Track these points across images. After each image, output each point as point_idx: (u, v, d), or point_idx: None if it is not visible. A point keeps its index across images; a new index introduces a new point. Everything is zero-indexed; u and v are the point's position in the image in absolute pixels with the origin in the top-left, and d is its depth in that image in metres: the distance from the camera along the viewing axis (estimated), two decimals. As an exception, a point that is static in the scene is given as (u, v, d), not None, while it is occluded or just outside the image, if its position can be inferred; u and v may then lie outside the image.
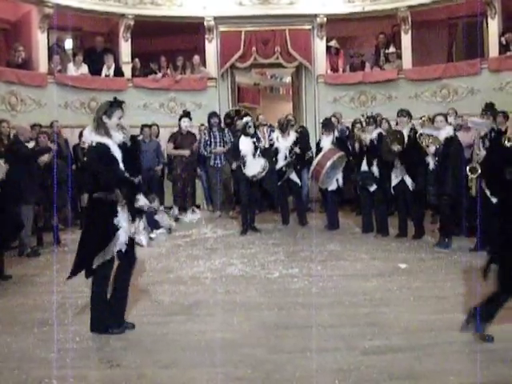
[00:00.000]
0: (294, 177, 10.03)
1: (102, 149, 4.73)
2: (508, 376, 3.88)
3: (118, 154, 4.80)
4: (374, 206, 9.04)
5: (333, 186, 9.43)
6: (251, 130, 9.57)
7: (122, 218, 4.78)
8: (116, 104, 4.86)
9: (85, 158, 10.36)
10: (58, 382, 3.90)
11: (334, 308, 5.42)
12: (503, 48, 12.17)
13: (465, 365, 4.05)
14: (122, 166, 4.80)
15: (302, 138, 10.66)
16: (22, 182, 7.77)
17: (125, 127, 4.89)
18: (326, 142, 9.49)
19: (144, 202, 4.86)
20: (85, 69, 12.51)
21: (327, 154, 9.16)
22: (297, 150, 9.91)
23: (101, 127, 4.78)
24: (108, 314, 4.90)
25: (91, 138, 4.78)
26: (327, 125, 9.69)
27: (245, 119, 10.33)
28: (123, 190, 4.76)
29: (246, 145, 9.43)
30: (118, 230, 4.75)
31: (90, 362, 4.29)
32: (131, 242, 4.92)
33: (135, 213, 4.87)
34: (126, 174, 4.81)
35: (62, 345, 4.59)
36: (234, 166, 9.61)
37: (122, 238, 4.78)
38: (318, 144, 9.90)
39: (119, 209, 4.77)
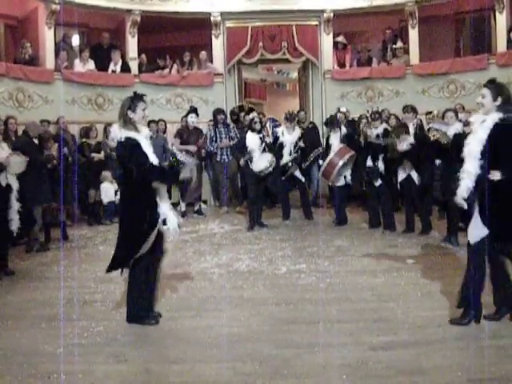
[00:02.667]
0: (297, 174, 10.05)
1: (131, 143, 4.80)
2: (516, 372, 3.88)
3: (147, 148, 4.89)
4: (380, 202, 9.02)
5: (341, 182, 9.41)
6: (257, 126, 9.56)
7: (165, 208, 4.92)
8: (137, 97, 4.96)
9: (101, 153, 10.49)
10: (66, 377, 3.92)
11: (341, 303, 5.42)
12: (511, 43, 12.10)
13: (472, 360, 4.04)
14: (153, 158, 4.88)
15: (312, 134, 10.66)
16: (33, 185, 7.81)
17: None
18: (335, 139, 9.47)
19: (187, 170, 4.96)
20: (91, 65, 12.53)
21: (339, 153, 9.09)
22: (301, 143, 9.90)
23: (128, 123, 4.86)
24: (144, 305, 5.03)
25: (120, 134, 4.84)
26: (331, 123, 9.70)
27: (251, 115, 10.33)
28: (160, 179, 4.86)
29: (252, 140, 9.43)
30: (157, 220, 4.86)
31: (97, 357, 4.30)
32: (160, 235, 5.01)
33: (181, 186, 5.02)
34: (156, 164, 4.89)
35: (69, 340, 4.61)
36: (242, 162, 9.59)
37: (172, 225, 4.94)
38: (327, 140, 9.88)
39: (158, 200, 4.89)
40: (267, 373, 3.96)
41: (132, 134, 4.83)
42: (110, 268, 5.04)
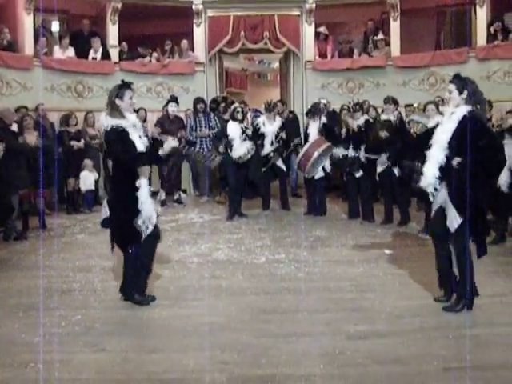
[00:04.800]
0: (279, 163, 10.05)
1: (118, 131, 4.92)
2: (492, 360, 3.93)
3: (134, 134, 5.02)
4: (360, 193, 9.07)
5: (320, 174, 9.43)
6: (239, 116, 9.56)
7: (144, 194, 5.03)
8: (125, 85, 5.09)
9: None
10: (44, 366, 3.90)
11: (319, 293, 5.45)
12: (491, 37, 12.21)
13: (449, 350, 4.09)
14: (139, 145, 5.02)
15: (292, 124, 10.64)
16: (10, 172, 7.74)
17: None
18: (313, 129, 9.51)
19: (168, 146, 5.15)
20: (71, 52, 12.37)
21: (314, 144, 9.13)
22: (283, 135, 9.91)
23: (115, 110, 4.98)
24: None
25: (107, 122, 4.98)
26: (314, 110, 9.71)
27: (234, 105, 10.32)
28: (144, 164, 5.03)
29: (234, 129, 9.43)
30: (140, 205, 5.01)
31: (75, 346, 4.28)
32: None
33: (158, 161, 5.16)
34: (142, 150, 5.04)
35: (47, 329, 4.58)
36: (222, 149, 9.59)
37: (146, 212, 5.04)
38: (306, 129, 9.91)
39: (140, 184, 5.01)
40: (245, 362, 3.97)
41: (119, 122, 4.94)
42: (124, 246, 5.16)
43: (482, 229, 4.87)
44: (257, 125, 10.07)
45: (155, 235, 5.21)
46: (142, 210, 5.00)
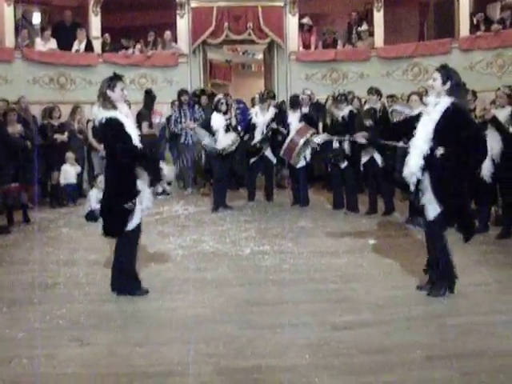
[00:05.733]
0: (269, 154, 10.02)
1: (114, 124, 4.91)
2: (474, 349, 3.97)
3: (130, 127, 5.04)
4: (344, 183, 9.10)
5: (301, 163, 9.45)
6: (223, 107, 9.53)
7: (142, 185, 5.09)
8: (116, 77, 5.09)
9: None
10: (28, 362, 3.88)
11: (304, 284, 5.47)
12: (474, 27, 12.26)
13: (432, 338, 4.14)
14: (135, 138, 5.04)
15: (281, 114, 10.66)
16: None
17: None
18: (294, 119, 9.54)
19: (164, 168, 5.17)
20: (53, 44, 12.24)
21: (300, 131, 9.16)
22: (273, 125, 9.87)
23: (107, 101, 4.96)
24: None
25: (100, 114, 4.97)
26: (294, 102, 9.74)
27: (217, 96, 10.29)
28: (142, 163, 5.05)
29: (217, 121, 9.40)
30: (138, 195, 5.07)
31: (60, 340, 4.26)
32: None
33: (155, 179, 5.24)
34: (140, 147, 5.07)
35: (31, 324, 4.57)
36: (208, 140, 9.54)
37: (145, 202, 5.13)
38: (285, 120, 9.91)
39: (138, 176, 5.06)
40: (231, 353, 3.98)
41: (113, 114, 4.93)
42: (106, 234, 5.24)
43: (467, 217, 4.94)
44: (249, 115, 10.08)
45: (138, 230, 5.22)
46: (142, 201, 5.08)
